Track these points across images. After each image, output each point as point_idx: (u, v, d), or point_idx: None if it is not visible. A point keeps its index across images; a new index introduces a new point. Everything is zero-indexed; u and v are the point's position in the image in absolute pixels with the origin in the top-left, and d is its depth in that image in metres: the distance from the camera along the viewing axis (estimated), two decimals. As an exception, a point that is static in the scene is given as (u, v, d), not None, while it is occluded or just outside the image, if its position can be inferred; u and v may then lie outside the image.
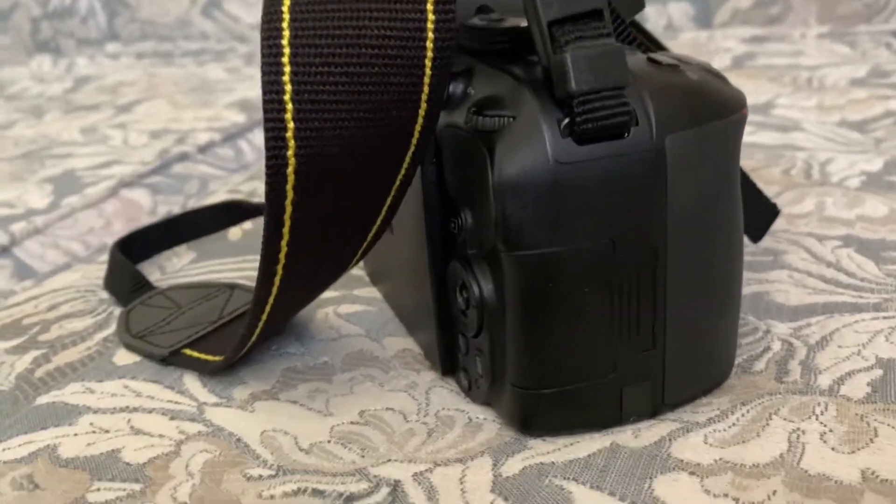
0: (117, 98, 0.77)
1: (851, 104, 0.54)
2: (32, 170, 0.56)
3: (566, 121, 0.21)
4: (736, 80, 0.64)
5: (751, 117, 0.53)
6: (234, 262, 0.39)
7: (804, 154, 0.46)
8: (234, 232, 0.42)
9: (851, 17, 0.73)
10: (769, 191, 0.41)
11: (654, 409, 0.25)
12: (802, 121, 0.52)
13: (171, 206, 0.50)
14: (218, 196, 0.50)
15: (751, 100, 0.57)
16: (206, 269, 0.38)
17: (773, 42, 0.71)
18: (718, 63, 0.67)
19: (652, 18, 0.79)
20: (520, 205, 0.22)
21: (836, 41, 0.69)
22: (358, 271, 0.36)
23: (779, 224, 0.37)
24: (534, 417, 0.24)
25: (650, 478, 0.22)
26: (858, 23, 0.72)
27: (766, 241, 0.36)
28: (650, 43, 0.34)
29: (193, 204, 0.50)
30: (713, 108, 0.23)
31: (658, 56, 0.24)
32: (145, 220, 0.47)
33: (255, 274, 0.36)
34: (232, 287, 0.34)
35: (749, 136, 0.50)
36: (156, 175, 0.54)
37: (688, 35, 0.75)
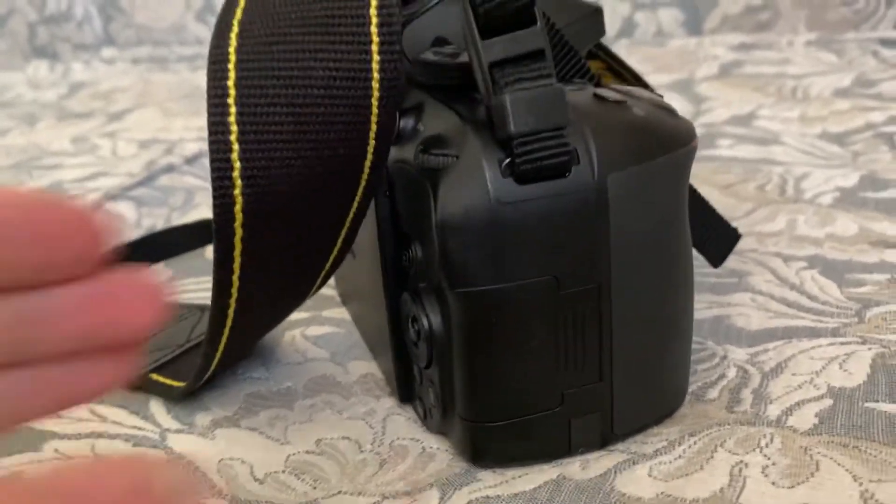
0: (110, 105, 0.78)
1: (833, 115, 0.54)
2: (21, 181, 0.57)
3: (507, 161, 0.22)
4: (721, 90, 0.65)
5: (732, 129, 0.53)
6: (209, 280, 0.39)
7: (781, 169, 0.46)
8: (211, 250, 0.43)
9: (840, 24, 0.72)
10: (743, 207, 0.42)
11: (604, 440, 0.25)
12: (783, 133, 0.52)
13: (156, 220, 0.51)
14: (201, 210, 0.50)
15: (734, 111, 0.58)
16: (181, 289, 0.39)
17: (760, 49, 0.71)
18: (705, 71, 0.67)
19: (642, 24, 0.79)
20: (461, 243, 0.22)
21: (822, 48, 0.69)
22: (329, 291, 0.36)
23: (748, 243, 0.38)
24: (483, 449, 0.25)
25: (592, 512, 0.23)
26: (847, 29, 0.72)
27: (733, 262, 0.36)
28: (620, 68, 0.34)
29: (178, 216, 0.50)
30: (658, 144, 0.24)
31: (605, 92, 0.25)
32: (129, 234, 0.47)
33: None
34: (202, 309, 0.35)
35: (728, 149, 0.50)
36: (141, 187, 0.54)
37: (677, 42, 0.75)
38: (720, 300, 0.33)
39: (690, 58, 0.71)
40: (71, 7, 0.99)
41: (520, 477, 0.24)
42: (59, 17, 1.00)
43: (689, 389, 0.27)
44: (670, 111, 0.25)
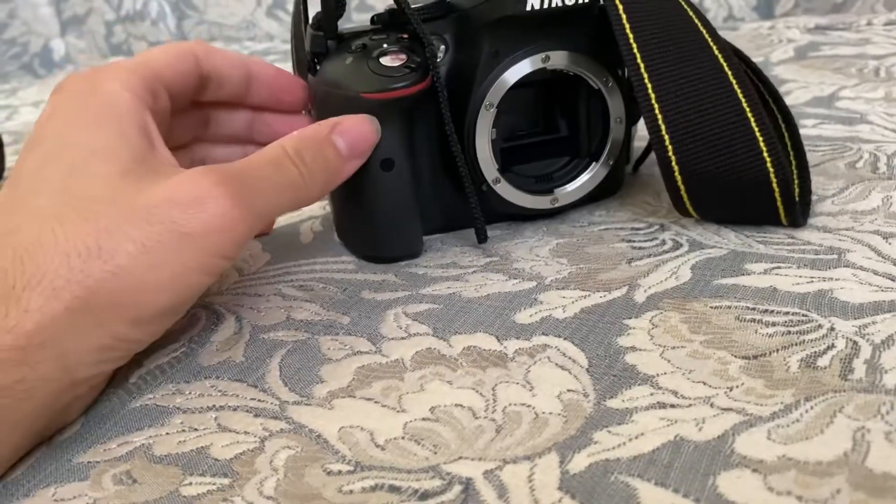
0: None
1: (920, 94, 0.53)
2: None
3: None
4: (799, 72, 0.64)
5: (814, 110, 0.53)
6: (307, 263, 0.40)
7: (871, 146, 0.46)
8: (306, 234, 0.44)
9: (920, 3, 0.71)
10: (834, 185, 0.41)
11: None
12: (869, 113, 0.51)
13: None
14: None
15: (814, 92, 0.57)
16: (282, 271, 0.40)
17: (837, 31, 0.70)
18: (781, 55, 0.67)
19: (712, 9, 0.78)
20: None
21: (904, 28, 0.68)
22: (420, 269, 0.37)
23: (843, 221, 0.37)
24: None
25: (714, 474, 0.23)
26: (928, 8, 0.70)
27: (830, 240, 0.36)
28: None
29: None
30: (338, 84, 0.37)
31: (380, 54, 0.37)
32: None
33: (327, 276, 0.37)
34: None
35: (813, 128, 0.50)
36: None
37: (749, 26, 0.74)
38: (821, 275, 0.33)
39: (764, 41, 0.70)
40: (145, 5, 1.02)
41: (636, 438, 0.25)
42: (134, 15, 1.03)
43: (799, 356, 0.28)
44: (387, 73, 0.36)
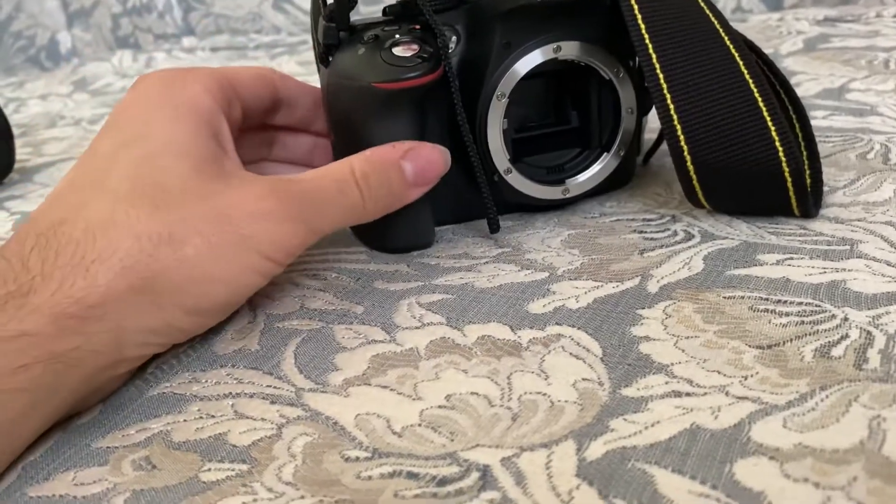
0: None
1: (930, 86, 0.53)
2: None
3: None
4: (809, 64, 0.64)
5: (824, 102, 0.53)
6: (320, 253, 0.40)
7: (882, 138, 0.46)
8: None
9: (930, -6, 0.71)
10: (845, 176, 0.41)
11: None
12: (879, 105, 0.51)
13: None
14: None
15: (824, 84, 0.57)
16: (295, 260, 0.40)
17: (846, 23, 0.70)
18: (790, 47, 0.67)
19: (720, 1, 0.78)
20: None
21: (913, 20, 0.68)
22: (433, 260, 0.37)
23: (855, 213, 0.37)
24: None
25: (730, 462, 0.23)
26: (937, 0, 0.70)
27: (842, 231, 0.36)
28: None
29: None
30: (350, 76, 0.36)
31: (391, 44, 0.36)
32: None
33: (340, 265, 0.37)
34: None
35: (823, 120, 0.50)
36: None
37: (758, 17, 0.74)
38: (833, 266, 0.33)
39: (774, 33, 0.70)
40: (152, -1, 1.02)
41: (652, 426, 0.25)
42: (140, 8, 1.03)
43: (813, 346, 0.28)
44: (399, 64, 0.35)
